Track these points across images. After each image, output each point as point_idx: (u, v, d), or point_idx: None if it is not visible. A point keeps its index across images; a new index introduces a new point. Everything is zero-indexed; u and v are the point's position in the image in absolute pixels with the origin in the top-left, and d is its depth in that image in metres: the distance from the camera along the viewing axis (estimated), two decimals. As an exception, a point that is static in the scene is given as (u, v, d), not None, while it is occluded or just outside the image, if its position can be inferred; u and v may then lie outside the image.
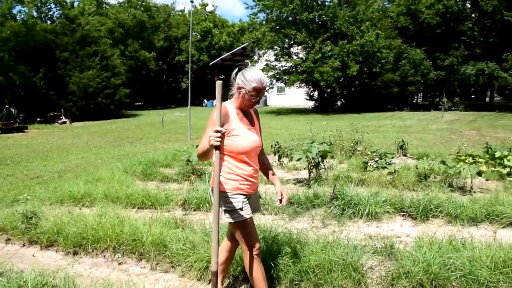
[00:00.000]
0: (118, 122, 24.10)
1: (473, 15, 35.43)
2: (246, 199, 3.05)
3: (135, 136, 16.32)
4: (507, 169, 7.16)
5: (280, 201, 3.36)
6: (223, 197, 2.95)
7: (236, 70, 3.07)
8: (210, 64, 46.06)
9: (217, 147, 2.69)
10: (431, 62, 32.75)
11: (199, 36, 48.26)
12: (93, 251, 4.42)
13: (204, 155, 2.86)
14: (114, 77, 30.95)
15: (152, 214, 5.34)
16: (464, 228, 4.87)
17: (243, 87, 2.97)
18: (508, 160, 7.29)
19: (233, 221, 2.98)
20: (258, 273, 3.08)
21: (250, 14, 32.96)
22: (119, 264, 4.21)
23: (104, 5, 47.22)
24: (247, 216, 3.01)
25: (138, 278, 3.84)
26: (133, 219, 4.77)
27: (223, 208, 2.96)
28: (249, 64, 3.08)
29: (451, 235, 4.22)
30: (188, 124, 15.16)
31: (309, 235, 4.46)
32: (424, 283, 3.39)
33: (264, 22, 32.17)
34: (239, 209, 2.97)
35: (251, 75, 2.96)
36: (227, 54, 44.89)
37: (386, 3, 39.88)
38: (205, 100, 45.09)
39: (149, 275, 3.94)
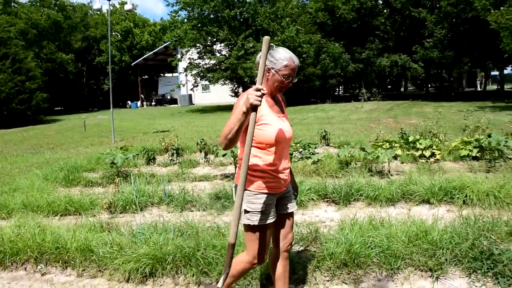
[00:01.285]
0: (36, 129, 22.76)
1: (385, 10, 37.42)
2: (271, 200, 2.70)
3: (56, 142, 15.52)
4: (419, 152, 7.64)
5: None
6: (248, 196, 2.62)
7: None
8: (132, 64, 44.85)
9: (255, 108, 2.38)
10: (349, 56, 34.20)
11: (119, 36, 46.80)
12: (12, 264, 4.14)
13: (232, 139, 2.44)
14: (29, 81, 28.99)
15: (76, 220, 5.12)
16: (382, 208, 5.14)
17: (272, 68, 2.63)
18: (420, 144, 7.77)
19: (251, 224, 2.64)
20: (239, 274, 2.86)
21: (171, 12, 32.56)
22: (42, 275, 3.98)
23: (12, 4, 44.18)
24: (269, 221, 2.68)
25: (63, 287, 3.68)
26: (55, 227, 4.53)
27: (244, 207, 2.61)
28: (274, 46, 2.73)
29: (371, 215, 4.46)
30: (112, 127, 14.67)
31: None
32: (347, 262, 3.56)
33: (185, 20, 31.76)
34: (261, 212, 2.64)
35: (280, 53, 2.65)
36: (149, 53, 43.98)
37: (305, 0, 41.05)
38: (129, 102, 43.93)
39: (75, 283, 3.77)
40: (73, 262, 3.97)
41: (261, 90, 2.33)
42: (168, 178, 7.09)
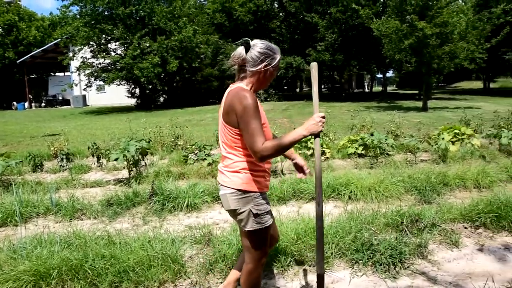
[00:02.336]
0: None
1: (280, 14, 38.73)
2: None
3: None
4: (311, 151, 8.06)
5: (304, 173, 2.96)
6: (255, 198, 2.50)
7: (241, 48, 2.51)
8: (18, 62, 41.42)
9: (318, 134, 2.44)
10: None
11: (1, 29, 42.98)
12: None
13: (279, 154, 2.46)
14: None
15: None
16: (275, 206, 5.36)
17: (270, 64, 2.49)
18: (311, 143, 8.20)
19: (262, 227, 2.54)
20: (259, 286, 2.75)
21: (61, 7, 30.53)
22: None
23: None
24: (272, 220, 2.66)
25: None
26: None
27: (254, 212, 2.49)
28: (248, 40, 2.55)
29: (262, 215, 4.62)
30: (-7, 130, 13.52)
31: (130, 234, 4.41)
32: (239, 263, 3.66)
33: (78, 16, 30.06)
34: (268, 211, 2.59)
35: (271, 46, 2.51)
36: (37, 50, 40.96)
37: (202, 0, 41.05)
38: (15, 103, 40.56)
39: None
40: None
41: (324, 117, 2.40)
42: (57, 186, 6.73)
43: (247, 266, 2.69)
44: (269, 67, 2.50)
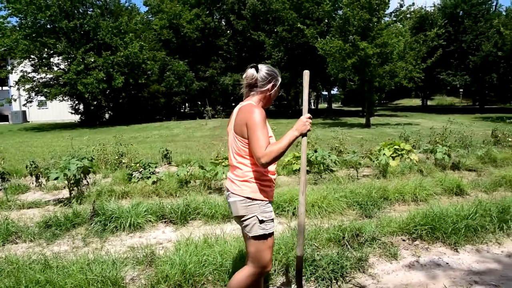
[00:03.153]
0: None
1: (228, 31, 39.02)
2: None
3: None
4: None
5: None
6: (261, 206, 2.72)
7: (253, 69, 2.87)
8: None
9: (306, 134, 2.80)
10: (193, 74, 34.84)
11: None
12: None
13: (280, 156, 2.59)
14: None
15: None
16: (220, 225, 5.35)
17: (275, 84, 2.90)
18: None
19: (266, 233, 2.72)
20: None
21: (-2, 17, 29.05)
22: None
23: None
24: (274, 227, 2.85)
25: None
26: None
27: (260, 218, 2.69)
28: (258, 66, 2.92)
29: (206, 234, 4.60)
30: None
31: (69, 257, 4.25)
32: (182, 283, 3.61)
33: (17, 28, 28.77)
34: (272, 219, 2.79)
35: (275, 69, 2.92)
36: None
37: (149, 16, 40.69)
38: None
39: None
40: None
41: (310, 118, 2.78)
42: (-11, 207, 6.39)
43: (248, 267, 2.84)
44: (275, 87, 2.89)
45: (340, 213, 5.69)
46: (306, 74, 2.97)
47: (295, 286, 3.22)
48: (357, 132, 18.69)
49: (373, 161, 8.59)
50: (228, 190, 2.83)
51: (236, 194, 2.74)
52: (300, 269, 3.12)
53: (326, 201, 5.78)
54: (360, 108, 40.61)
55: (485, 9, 39.57)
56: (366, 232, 4.59)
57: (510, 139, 11.35)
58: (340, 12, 29.96)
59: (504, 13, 39.31)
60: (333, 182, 7.36)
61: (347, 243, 4.38)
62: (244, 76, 2.90)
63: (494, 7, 40.97)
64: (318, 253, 4.09)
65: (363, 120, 24.81)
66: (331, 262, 3.85)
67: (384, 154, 8.48)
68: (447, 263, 4.07)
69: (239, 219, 2.79)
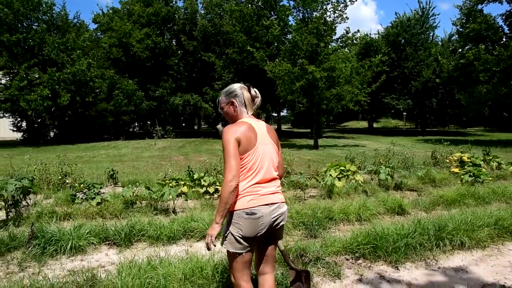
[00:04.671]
0: None
1: (178, 52, 39.03)
2: None
3: None
4: (204, 189, 8.07)
5: None
6: None
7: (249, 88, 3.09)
8: None
9: None
10: (143, 93, 34.48)
11: None
12: None
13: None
14: None
15: None
16: (165, 247, 5.25)
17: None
18: (205, 181, 8.22)
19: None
20: None
21: None
22: None
23: None
24: None
25: None
26: None
27: None
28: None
29: (150, 255, 4.51)
30: None
31: (1, 284, 4.03)
32: (123, 308, 3.51)
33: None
34: None
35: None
36: None
37: (99, 34, 40.05)
38: None
39: None
40: None
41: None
42: None
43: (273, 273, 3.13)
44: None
45: (286, 234, 5.73)
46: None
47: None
48: (305, 153, 19.02)
49: (320, 182, 8.76)
50: (276, 202, 2.87)
51: (285, 203, 2.98)
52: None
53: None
54: (308, 130, 41.46)
55: (424, 38, 42.02)
56: (310, 252, 4.65)
57: (447, 161, 11.93)
58: (289, 36, 30.72)
59: (440, 43, 41.91)
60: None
61: (291, 264, 4.42)
62: (257, 94, 3.08)
63: (431, 37, 43.55)
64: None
65: (311, 142, 25.31)
66: (276, 283, 3.87)
67: (330, 175, 8.66)
68: (388, 281, 4.19)
69: (281, 227, 3.01)
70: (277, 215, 2.87)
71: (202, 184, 8.18)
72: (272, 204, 2.83)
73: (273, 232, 2.97)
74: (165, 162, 15.08)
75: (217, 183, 8.33)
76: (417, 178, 9.87)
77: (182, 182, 8.08)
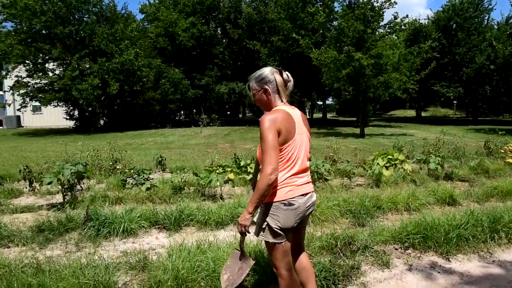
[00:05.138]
0: None
1: (223, 40, 39.19)
2: None
3: None
4: (250, 175, 8.14)
5: None
6: None
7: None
8: None
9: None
10: (189, 82, 34.90)
11: None
12: None
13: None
14: None
15: None
16: (213, 231, 5.35)
17: None
18: (251, 168, 8.29)
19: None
20: None
21: (-8, 22, 28.96)
22: None
23: None
24: None
25: None
26: None
27: None
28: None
29: (199, 240, 4.61)
30: None
31: (61, 262, 4.23)
32: (175, 289, 3.60)
33: (13, 33, 28.73)
34: None
35: None
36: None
37: (145, 24, 40.81)
38: None
39: None
40: None
41: None
42: (-18, 211, 6.37)
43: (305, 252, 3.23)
44: None
45: (333, 222, 5.70)
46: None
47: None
48: (351, 141, 18.77)
49: (367, 171, 8.63)
50: (309, 192, 2.87)
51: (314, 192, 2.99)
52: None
53: (319, 210, 5.80)
54: (354, 118, 40.84)
55: (478, 22, 40.07)
56: (358, 240, 4.61)
57: (502, 151, 11.45)
58: (334, 23, 30.22)
59: (496, 27, 39.78)
60: (326, 191, 7.38)
61: (339, 251, 4.40)
62: (290, 77, 2.97)
63: (486, 21, 41.47)
64: (310, 260, 4.10)
65: (357, 130, 24.92)
66: (323, 270, 3.86)
67: (377, 163, 8.52)
68: (439, 272, 4.10)
69: (310, 214, 3.02)
70: (310, 204, 2.87)
71: (248, 171, 8.26)
72: (306, 194, 2.83)
73: (304, 221, 2.99)
74: (211, 149, 15.29)
75: (263, 171, 8.36)
76: (469, 168, 9.54)
77: (229, 169, 8.17)
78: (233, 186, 7.87)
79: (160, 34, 36.03)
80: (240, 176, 8.30)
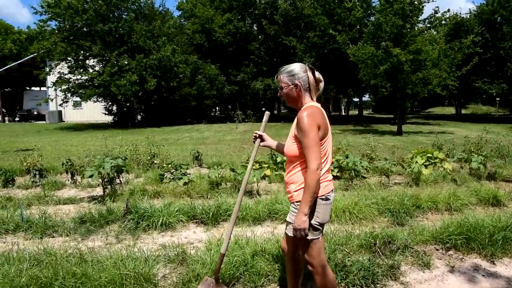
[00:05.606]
0: None
1: (259, 36, 39.17)
2: None
3: None
4: (287, 172, 8.10)
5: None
6: None
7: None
8: (-8, 74, 40.75)
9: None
10: (225, 78, 35.08)
11: (-26, 42, 42.22)
12: None
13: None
14: None
15: None
16: (250, 227, 5.36)
17: None
18: (287, 165, 8.25)
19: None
20: None
21: (39, 21, 30.04)
22: None
23: None
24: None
25: None
26: None
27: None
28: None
29: (236, 235, 4.63)
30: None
31: (102, 253, 4.34)
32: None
33: (56, 31, 29.73)
34: None
35: None
36: (13, 64, 40.33)
37: (182, 20, 41.28)
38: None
39: None
40: None
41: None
42: (28, 202, 6.61)
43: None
44: None
45: (371, 220, 5.62)
46: (266, 115, 3.31)
47: None
48: (388, 139, 18.43)
49: (405, 169, 8.46)
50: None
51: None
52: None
53: (357, 207, 5.72)
54: (391, 116, 40.05)
55: (525, 14, 38.35)
56: (398, 240, 4.51)
57: (549, 150, 10.99)
58: (372, 18, 29.70)
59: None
60: (364, 189, 7.28)
61: (378, 250, 4.33)
62: (321, 78, 2.93)
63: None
64: (348, 258, 4.05)
65: (394, 128, 24.47)
66: (362, 269, 3.81)
67: (416, 162, 8.34)
68: (483, 275, 3.96)
69: None
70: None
71: (284, 167, 8.21)
72: (333, 189, 2.90)
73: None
74: (247, 145, 15.34)
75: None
76: (514, 168, 9.20)
77: (266, 165, 8.16)
78: (270, 182, 7.88)
79: (196, 31, 36.37)
80: (276, 173, 8.28)
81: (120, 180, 7.63)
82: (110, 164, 6.73)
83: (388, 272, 3.90)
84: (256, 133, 3.39)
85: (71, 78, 30.43)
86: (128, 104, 31.82)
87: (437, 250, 4.54)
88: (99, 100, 32.03)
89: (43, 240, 4.97)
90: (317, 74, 2.88)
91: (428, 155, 8.82)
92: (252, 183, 7.17)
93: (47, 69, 31.18)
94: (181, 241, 4.85)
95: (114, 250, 4.38)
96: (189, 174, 7.96)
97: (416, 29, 21.52)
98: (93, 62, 31.04)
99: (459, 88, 30.77)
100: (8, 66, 40.38)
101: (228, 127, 26.82)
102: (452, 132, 22.95)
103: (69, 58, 29.94)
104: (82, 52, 30.13)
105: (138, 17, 32.05)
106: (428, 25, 23.42)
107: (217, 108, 47.78)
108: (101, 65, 30.35)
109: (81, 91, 29.88)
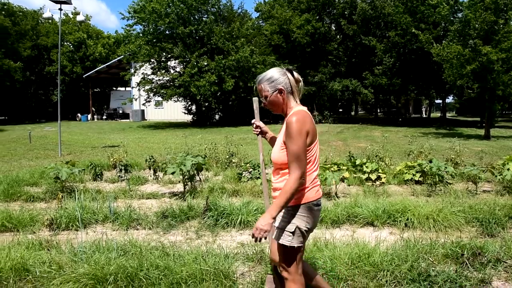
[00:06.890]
0: (-25, 139, 21.61)
1: (338, 36, 38.57)
2: None
3: (-4, 153, 14.82)
4: (366, 175, 7.88)
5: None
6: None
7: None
8: (84, 76, 43.71)
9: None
10: (302, 78, 34.86)
11: (71, 46, 45.41)
12: None
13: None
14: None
15: (13, 237, 4.87)
16: (328, 230, 5.25)
17: None
18: (367, 167, 8.03)
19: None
20: None
21: (126, 25, 32.01)
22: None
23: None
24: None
25: (-7, 308, 3.50)
26: (-12, 245, 4.30)
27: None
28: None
29: (315, 237, 4.55)
30: (59, 140, 14.19)
31: (183, 247, 4.46)
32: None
33: (141, 34, 31.43)
34: None
35: None
36: (102, 66, 43.04)
37: (260, 22, 41.70)
38: (79, 114, 42.62)
39: (8, 304, 3.58)
40: (6, 283, 3.72)
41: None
42: (115, 195, 6.95)
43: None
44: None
45: (457, 229, 5.27)
46: (255, 101, 3.05)
47: None
48: (475, 144, 17.37)
49: (496, 176, 7.88)
50: None
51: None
52: None
53: (442, 215, 5.39)
54: (477, 118, 37.75)
55: None
56: (489, 252, 4.18)
57: None
58: (459, 15, 28.12)
59: None
60: (449, 195, 6.87)
61: (466, 262, 4.03)
62: (300, 77, 2.80)
63: None
64: (433, 268, 3.82)
65: (481, 131, 23.00)
66: (448, 280, 3.58)
67: (508, 169, 7.74)
68: None
69: None
70: None
71: (364, 170, 8.00)
72: None
73: None
74: (324, 146, 15.16)
75: (379, 170, 8.06)
76: None
77: (344, 167, 7.98)
78: (348, 185, 7.70)
79: (274, 32, 36.56)
80: (355, 175, 8.08)
81: (199, 178, 7.82)
82: (191, 162, 6.91)
83: (478, 287, 3.63)
84: (254, 124, 3.22)
85: (153, 78, 31.97)
86: (206, 104, 32.68)
87: (535, 266, 4.15)
88: (179, 100, 33.25)
89: (128, 231, 5.20)
90: (296, 74, 2.75)
91: (522, 161, 8.16)
92: (331, 185, 7.02)
93: (132, 70, 32.98)
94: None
95: (194, 246, 4.49)
96: (266, 174, 7.97)
97: (511, 24, 20.03)
98: (174, 63, 32.37)
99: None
100: (98, 68, 43.09)
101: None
102: (548, 137, 21.17)
103: (152, 60, 31.46)
104: (164, 54, 31.47)
105: (218, 19, 32.80)
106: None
107: (294, 108, 47.75)
108: (182, 66, 31.45)
109: (162, 91, 31.27)
